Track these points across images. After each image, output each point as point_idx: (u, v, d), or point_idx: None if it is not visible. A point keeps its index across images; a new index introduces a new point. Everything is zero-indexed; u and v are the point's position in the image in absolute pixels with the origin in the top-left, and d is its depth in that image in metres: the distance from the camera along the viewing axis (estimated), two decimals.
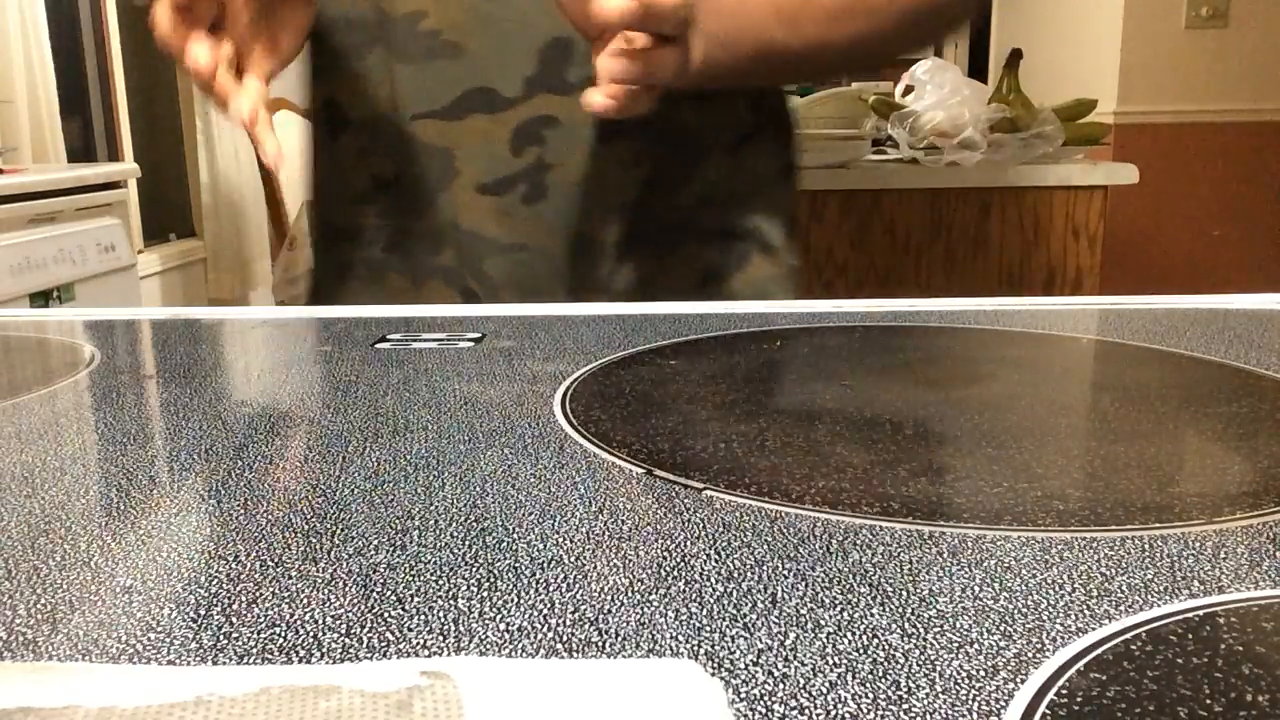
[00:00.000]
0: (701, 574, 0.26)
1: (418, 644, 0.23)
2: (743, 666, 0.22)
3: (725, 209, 0.75)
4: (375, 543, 0.28)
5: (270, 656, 0.23)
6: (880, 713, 0.20)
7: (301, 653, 0.23)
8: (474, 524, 0.30)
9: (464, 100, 0.69)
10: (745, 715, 0.20)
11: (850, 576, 0.26)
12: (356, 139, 0.74)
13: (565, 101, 0.67)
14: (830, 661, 0.22)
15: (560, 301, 0.70)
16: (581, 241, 0.71)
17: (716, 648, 0.23)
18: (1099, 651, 0.22)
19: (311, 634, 0.23)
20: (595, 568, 0.27)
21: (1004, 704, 0.20)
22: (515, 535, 0.29)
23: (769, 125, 0.79)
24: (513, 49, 0.68)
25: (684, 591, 0.25)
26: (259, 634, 0.23)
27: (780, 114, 0.80)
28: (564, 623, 0.24)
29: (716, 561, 0.27)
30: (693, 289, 0.74)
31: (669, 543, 0.28)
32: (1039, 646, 0.22)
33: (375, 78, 0.71)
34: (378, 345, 0.53)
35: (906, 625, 0.23)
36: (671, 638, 0.23)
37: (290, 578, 0.26)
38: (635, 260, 0.73)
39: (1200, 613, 0.24)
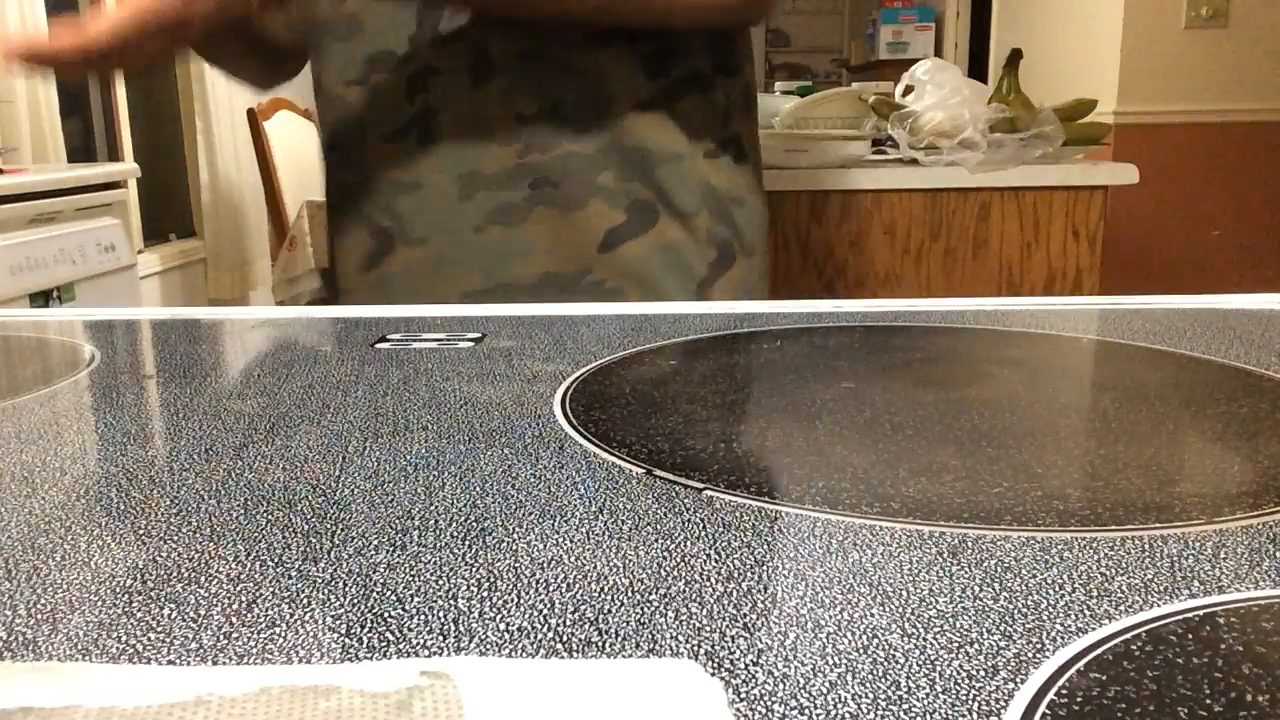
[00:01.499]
0: (701, 574, 0.26)
1: (418, 644, 0.23)
2: (743, 666, 0.22)
3: (625, 167, 0.79)
4: (375, 543, 0.28)
5: (270, 656, 0.23)
6: (880, 713, 0.20)
7: (301, 653, 0.23)
8: (474, 524, 0.30)
9: (369, 64, 0.79)
10: (745, 715, 0.20)
11: (850, 576, 0.26)
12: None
13: (441, 52, 0.77)
14: (830, 661, 0.22)
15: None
16: (465, 178, 0.78)
17: (716, 648, 0.23)
18: (1099, 651, 0.22)
19: (311, 634, 0.23)
20: (595, 568, 0.27)
21: (1004, 704, 0.20)
22: (515, 535, 0.29)
23: (695, 91, 0.81)
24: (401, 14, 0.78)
25: (684, 591, 0.25)
26: (259, 634, 0.23)
27: (714, 89, 0.82)
28: (564, 623, 0.24)
29: (716, 561, 0.27)
30: (591, 246, 0.79)
31: (669, 543, 0.28)
32: (1039, 646, 0.22)
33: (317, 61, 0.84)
34: (378, 345, 0.53)
35: (906, 625, 0.23)
36: (671, 638, 0.23)
37: (290, 578, 0.26)
38: (509, 196, 0.79)
39: (1200, 613, 0.24)
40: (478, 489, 0.32)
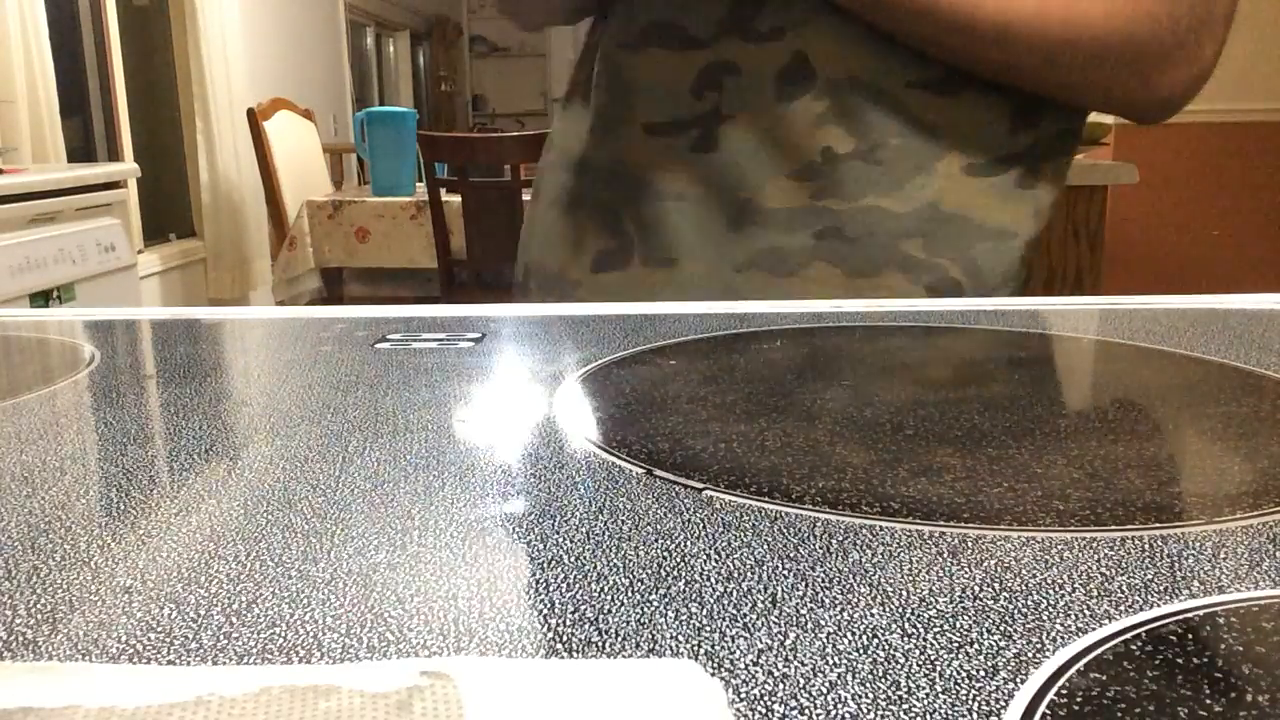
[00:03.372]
0: (701, 574, 0.26)
1: (418, 644, 0.23)
2: (743, 666, 0.22)
3: (939, 238, 0.64)
4: (375, 543, 0.28)
5: (270, 656, 0.23)
6: (880, 713, 0.20)
7: (301, 653, 0.23)
8: (474, 524, 0.30)
9: (649, 32, 0.65)
10: (745, 715, 0.20)
11: (850, 576, 0.26)
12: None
13: (750, 51, 0.63)
14: (830, 661, 0.22)
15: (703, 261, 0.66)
16: (740, 204, 0.65)
17: (716, 648, 0.23)
18: (1099, 651, 0.22)
19: (311, 634, 0.23)
20: (595, 568, 0.27)
21: (1004, 704, 0.20)
22: (515, 535, 0.29)
23: (1055, 155, 0.67)
24: None
25: (684, 591, 0.25)
26: (259, 634, 0.23)
27: (1070, 151, 0.69)
28: (564, 623, 0.24)
29: (716, 561, 0.27)
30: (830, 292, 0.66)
31: (669, 543, 0.28)
32: (1039, 646, 0.22)
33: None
34: (378, 345, 0.53)
35: (906, 625, 0.23)
36: (671, 638, 0.23)
37: (290, 578, 0.26)
38: (786, 240, 0.65)
39: (1200, 613, 0.24)
40: (478, 489, 0.32)
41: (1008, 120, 0.64)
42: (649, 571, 0.26)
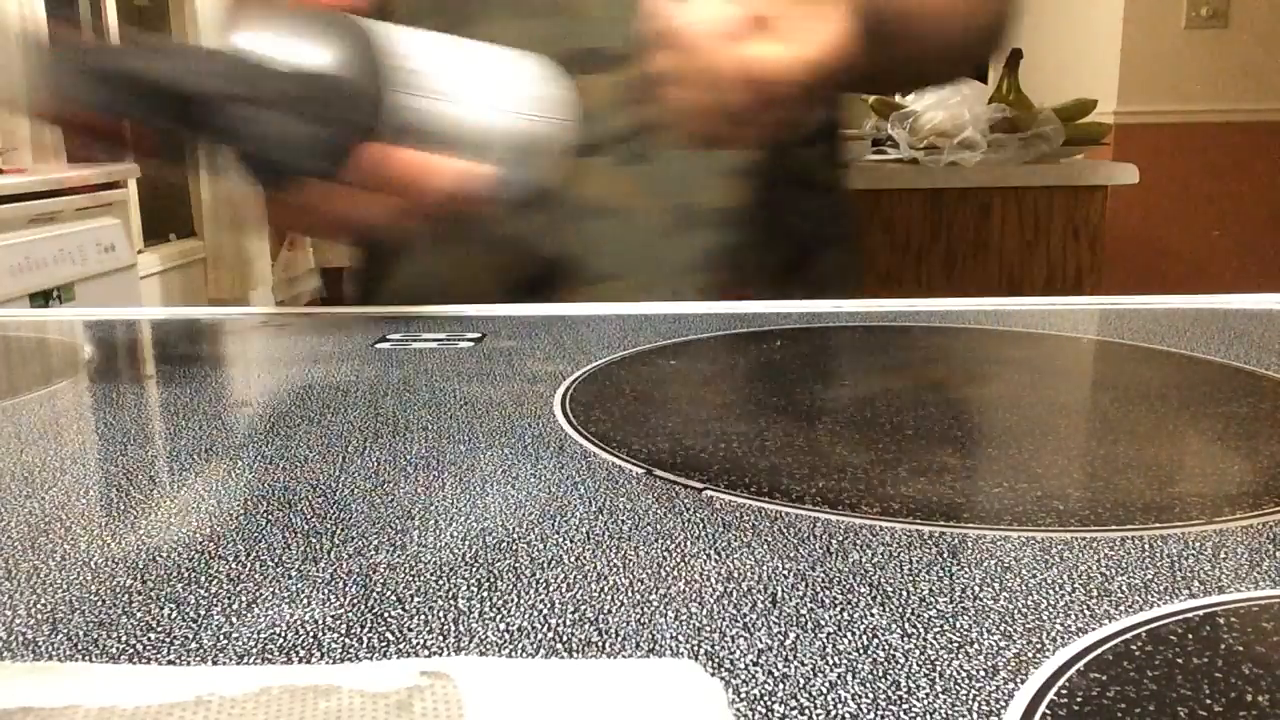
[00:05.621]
0: (701, 574, 0.26)
1: (418, 644, 0.23)
2: (743, 666, 0.22)
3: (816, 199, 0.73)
4: (375, 543, 0.28)
5: (270, 656, 0.23)
6: (880, 713, 0.20)
7: (301, 653, 0.23)
8: (474, 524, 0.30)
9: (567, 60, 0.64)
10: (745, 715, 0.20)
11: (850, 576, 0.26)
12: None
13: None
14: (830, 661, 0.22)
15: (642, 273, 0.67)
16: (680, 211, 0.67)
17: (716, 648, 0.23)
18: (1099, 651, 0.22)
19: (311, 634, 0.23)
20: (595, 568, 0.27)
21: (1004, 704, 0.20)
22: (515, 535, 0.29)
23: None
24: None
25: (684, 591, 0.25)
26: (259, 634, 0.23)
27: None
28: (564, 623, 0.24)
29: (716, 561, 0.27)
30: (776, 277, 0.70)
31: (669, 543, 0.28)
32: (1039, 646, 0.22)
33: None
34: (378, 345, 0.53)
35: (906, 625, 0.23)
36: (671, 638, 0.23)
37: (290, 578, 0.26)
38: (728, 237, 0.68)
39: (1200, 613, 0.24)
40: (478, 489, 0.32)
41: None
42: (649, 571, 0.26)
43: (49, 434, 0.39)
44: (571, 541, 0.28)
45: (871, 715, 0.20)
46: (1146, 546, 0.27)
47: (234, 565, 0.27)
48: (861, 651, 0.22)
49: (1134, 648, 0.22)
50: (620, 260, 0.68)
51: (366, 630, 0.24)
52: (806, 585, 0.25)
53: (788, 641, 0.23)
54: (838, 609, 0.24)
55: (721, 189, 0.67)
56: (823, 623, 0.24)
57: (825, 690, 0.21)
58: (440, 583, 0.26)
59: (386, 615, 0.24)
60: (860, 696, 0.21)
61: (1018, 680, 0.21)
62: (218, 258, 4.20)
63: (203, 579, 0.26)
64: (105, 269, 2.50)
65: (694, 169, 0.66)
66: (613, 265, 0.68)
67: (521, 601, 0.25)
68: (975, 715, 0.20)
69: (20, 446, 0.37)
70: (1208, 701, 0.20)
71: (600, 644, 0.23)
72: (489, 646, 0.23)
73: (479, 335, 0.55)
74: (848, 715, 0.20)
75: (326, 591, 0.25)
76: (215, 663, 0.22)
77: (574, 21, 0.65)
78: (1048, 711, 0.20)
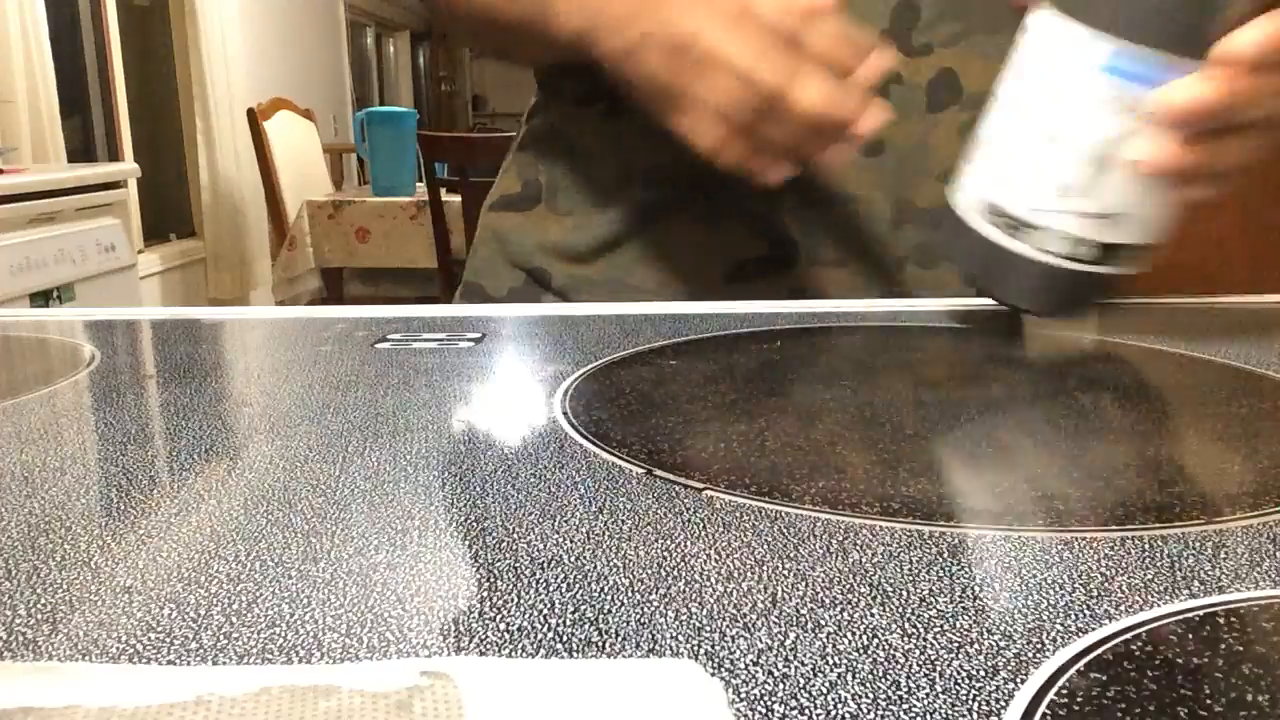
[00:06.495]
0: (701, 574, 0.26)
1: (418, 644, 0.23)
2: (743, 666, 0.22)
3: None
4: (375, 543, 0.28)
5: (270, 656, 0.23)
6: (880, 713, 0.20)
7: (301, 653, 0.23)
8: (474, 524, 0.30)
9: None
10: (745, 715, 0.20)
11: (850, 576, 0.26)
12: None
13: (908, 63, 0.66)
14: (830, 661, 0.22)
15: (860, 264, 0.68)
16: (902, 205, 0.68)
17: (716, 648, 0.23)
18: (1099, 651, 0.22)
19: (311, 634, 0.23)
20: (595, 568, 0.27)
21: (1004, 704, 0.20)
22: (515, 535, 0.29)
23: None
24: (867, 4, 0.66)
25: (684, 591, 0.25)
26: (259, 634, 0.23)
27: None
28: (564, 623, 0.24)
29: (716, 561, 0.27)
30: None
31: (669, 543, 0.28)
32: (1039, 646, 0.22)
33: None
34: (378, 345, 0.53)
35: (906, 625, 0.23)
36: (671, 638, 0.23)
37: (290, 578, 0.26)
38: (933, 235, 0.68)
39: (1200, 613, 0.24)
40: (478, 489, 0.32)
41: None
42: (649, 571, 0.26)
43: (49, 434, 0.39)
44: (571, 541, 0.28)
45: (871, 715, 0.20)
46: (1146, 546, 0.27)
47: (234, 565, 0.27)
48: (861, 651, 0.22)
49: (1134, 648, 0.22)
50: (846, 248, 0.69)
51: (366, 630, 0.24)
52: (806, 585, 0.25)
53: (788, 641, 0.23)
54: (838, 609, 0.24)
55: (938, 189, 0.67)
56: (823, 623, 0.24)
57: (825, 690, 0.21)
58: (440, 583, 0.26)
59: (386, 615, 0.24)
60: (860, 696, 0.21)
61: (1018, 680, 0.21)
62: (218, 258, 4.20)
63: (203, 579, 0.26)
64: (105, 269, 2.50)
65: (916, 166, 0.68)
66: (837, 253, 0.69)
67: (521, 601, 0.25)
68: (975, 715, 0.20)
69: (20, 446, 0.37)
70: (1208, 701, 0.20)
71: (600, 644, 0.23)
72: (489, 646, 0.23)
73: (479, 335, 0.55)
74: (848, 715, 0.20)
75: (326, 591, 0.25)
76: (215, 663, 0.22)
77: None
78: (1048, 711, 0.20)
